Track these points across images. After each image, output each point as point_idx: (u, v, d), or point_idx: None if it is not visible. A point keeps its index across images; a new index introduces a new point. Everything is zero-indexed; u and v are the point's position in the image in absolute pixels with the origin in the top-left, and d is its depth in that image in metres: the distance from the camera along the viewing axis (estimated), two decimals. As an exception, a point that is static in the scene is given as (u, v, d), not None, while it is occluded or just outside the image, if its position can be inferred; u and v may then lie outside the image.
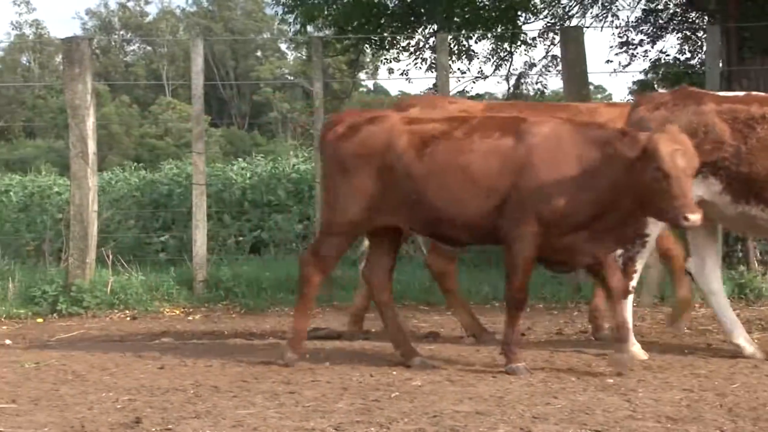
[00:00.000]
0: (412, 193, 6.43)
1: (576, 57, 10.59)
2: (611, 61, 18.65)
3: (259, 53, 69.16)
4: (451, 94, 11.60)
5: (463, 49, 17.58)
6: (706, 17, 15.24)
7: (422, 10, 16.35)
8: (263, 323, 9.45)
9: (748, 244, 10.31)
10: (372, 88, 59.01)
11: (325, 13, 16.25)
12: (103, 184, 15.04)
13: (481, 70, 18.53)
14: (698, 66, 16.39)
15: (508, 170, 6.24)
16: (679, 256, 7.78)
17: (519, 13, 16.80)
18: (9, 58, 67.21)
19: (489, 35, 17.01)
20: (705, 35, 13.27)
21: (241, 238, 13.30)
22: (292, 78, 60.41)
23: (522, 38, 17.65)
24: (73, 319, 9.83)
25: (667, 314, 8.42)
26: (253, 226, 13.55)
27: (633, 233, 6.62)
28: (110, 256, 10.55)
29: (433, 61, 16.38)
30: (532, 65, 18.28)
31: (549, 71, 17.83)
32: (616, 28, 17.94)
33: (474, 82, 18.00)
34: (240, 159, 18.59)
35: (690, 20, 17.10)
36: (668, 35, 17.59)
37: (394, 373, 6.37)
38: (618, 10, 17.67)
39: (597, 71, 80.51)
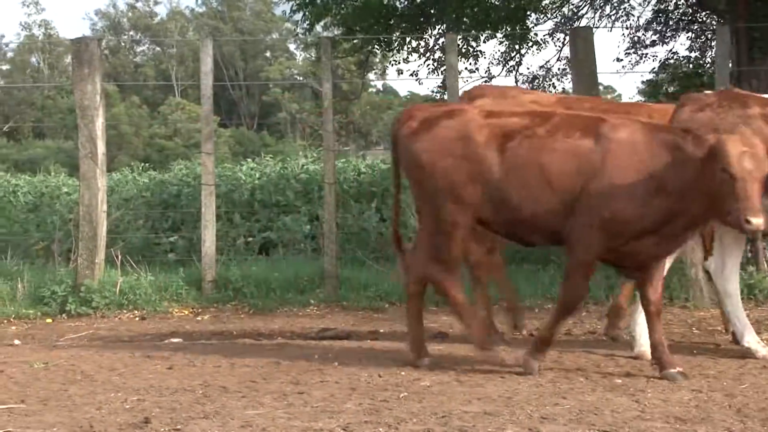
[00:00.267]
0: (493, 190, 6.25)
1: (585, 57, 10.57)
2: (621, 60, 18.65)
3: (268, 54, 69.26)
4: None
5: (472, 48, 17.62)
6: (715, 18, 15.23)
7: (432, 11, 16.37)
8: (272, 323, 9.46)
9: (757, 245, 10.28)
10: (381, 89, 59.11)
11: (334, 12, 16.28)
12: (113, 185, 15.06)
13: (489, 70, 18.56)
14: (708, 66, 16.38)
15: (581, 172, 6.09)
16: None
17: (528, 13, 16.82)
18: (18, 59, 67.41)
19: (498, 35, 17.02)
20: (714, 36, 13.26)
21: (250, 239, 13.30)
22: (301, 78, 60.53)
23: (532, 38, 17.69)
24: (82, 320, 9.85)
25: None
26: (262, 227, 13.55)
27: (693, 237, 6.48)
28: (119, 257, 10.57)
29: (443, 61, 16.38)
30: (549, 70, 18.33)
31: (566, 74, 17.88)
32: (627, 28, 17.95)
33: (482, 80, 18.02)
34: (249, 159, 18.58)
35: (700, 20, 17.09)
36: (678, 35, 17.60)
37: (403, 373, 6.37)
38: (629, 10, 17.70)
39: (606, 71, 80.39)
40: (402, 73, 19.70)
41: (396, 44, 17.35)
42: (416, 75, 18.62)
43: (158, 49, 72.07)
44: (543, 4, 16.88)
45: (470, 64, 17.91)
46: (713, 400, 5.54)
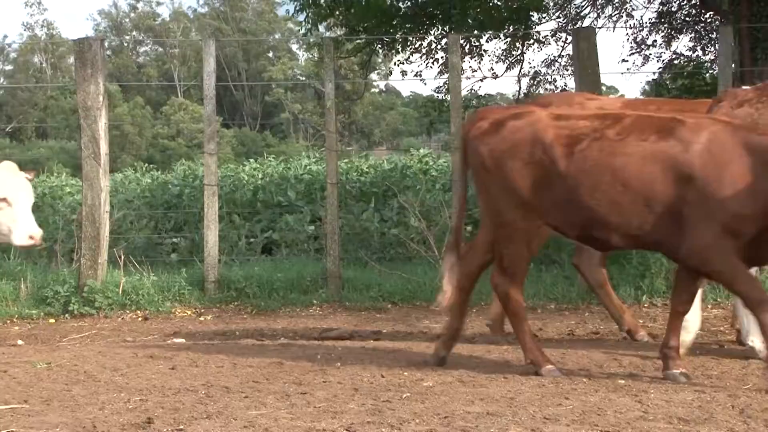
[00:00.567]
0: (562, 193, 6.12)
1: (588, 57, 10.57)
2: (626, 61, 18.67)
3: (270, 54, 69.30)
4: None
5: (475, 48, 17.63)
6: (718, 18, 15.24)
7: (435, 12, 16.39)
8: (274, 324, 9.46)
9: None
10: (384, 89, 59.17)
11: (336, 13, 16.29)
12: (115, 185, 15.08)
13: (493, 70, 18.58)
14: (711, 66, 16.38)
15: (672, 178, 5.90)
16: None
17: (531, 13, 16.83)
18: (21, 59, 67.49)
19: (501, 35, 17.02)
20: (717, 36, 13.26)
21: (252, 239, 13.31)
22: (303, 79, 60.57)
23: (535, 37, 17.70)
24: (85, 320, 9.86)
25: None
26: (265, 227, 13.55)
27: None
28: (122, 257, 10.58)
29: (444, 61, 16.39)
30: (552, 62, 18.32)
31: (567, 70, 17.87)
32: (630, 28, 17.94)
33: (481, 81, 18.05)
34: (251, 160, 18.63)
35: (703, 21, 17.09)
36: (681, 36, 17.60)
37: (406, 374, 6.36)
38: (632, 10, 17.71)
39: (609, 71, 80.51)
40: (406, 74, 19.69)
41: (398, 44, 17.37)
42: (420, 75, 18.64)
43: (161, 49, 72.15)
44: (544, 3, 16.88)
45: (475, 62, 17.98)
46: (716, 400, 5.53)
